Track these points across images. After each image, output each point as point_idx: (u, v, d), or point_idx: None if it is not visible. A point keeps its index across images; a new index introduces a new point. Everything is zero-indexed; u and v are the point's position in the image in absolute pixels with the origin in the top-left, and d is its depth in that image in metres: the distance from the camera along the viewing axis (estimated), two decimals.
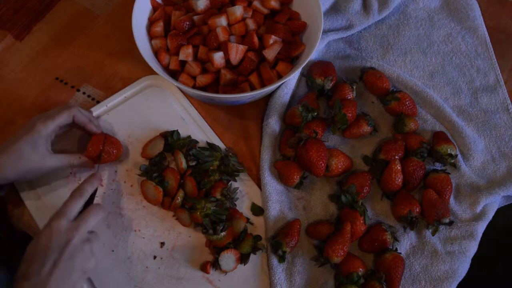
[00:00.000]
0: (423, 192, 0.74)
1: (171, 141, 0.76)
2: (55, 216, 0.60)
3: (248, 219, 0.73)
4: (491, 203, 0.76)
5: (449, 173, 0.76)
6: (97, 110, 0.80)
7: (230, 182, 0.75)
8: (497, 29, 0.95)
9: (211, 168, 0.74)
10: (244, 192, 0.75)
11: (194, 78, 0.77)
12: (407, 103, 0.80)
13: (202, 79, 0.77)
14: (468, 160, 0.79)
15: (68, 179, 0.74)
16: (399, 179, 0.73)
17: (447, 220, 0.71)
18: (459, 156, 0.79)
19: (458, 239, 0.73)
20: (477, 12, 0.95)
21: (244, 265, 0.69)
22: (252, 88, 0.77)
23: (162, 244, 0.71)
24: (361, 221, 0.70)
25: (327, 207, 0.75)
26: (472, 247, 0.73)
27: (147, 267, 0.69)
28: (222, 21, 0.77)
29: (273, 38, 0.77)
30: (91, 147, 0.72)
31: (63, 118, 0.69)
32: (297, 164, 0.74)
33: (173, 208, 0.72)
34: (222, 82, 0.77)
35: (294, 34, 0.81)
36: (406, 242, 0.73)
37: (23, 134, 0.66)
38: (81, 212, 0.63)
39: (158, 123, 0.79)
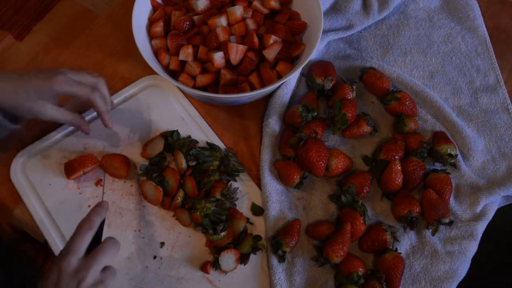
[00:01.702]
0: (423, 192, 0.74)
1: (171, 141, 0.76)
2: (63, 253, 0.54)
3: (248, 219, 0.73)
4: (491, 203, 0.76)
5: (449, 173, 0.76)
6: None
7: (230, 182, 0.75)
8: (497, 29, 0.95)
9: (211, 168, 0.74)
10: (244, 192, 0.75)
11: (194, 78, 0.77)
12: (407, 103, 0.80)
13: (202, 79, 0.77)
14: (468, 160, 0.79)
15: (68, 180, 0.74)
16: (399, 179, 0.73)
17: (447, 220, 0.71)
18: (459, 156, 0.79)
19: (458, 239, 0.73)
20: (477, 12, 0.95)
21: (244, 265, 0.69)
22: (252, 88, 0.77)
23: (162, 244, 0.71)
24: (361, 221, 0.70)
25: (327, 207, 0.75)
26: (472, 247, 0.73)
27: (147, 267, 0.69)
28: (222, 21, 0.77)
29: (273, 38, 0.77)
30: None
31: (81, 93, 0.66)
32: (297, 164, 0.74)
33: (173, 208, 0.72)
34: (222, 82, 0.77)
35: (294, 34, 0.81)
36: (406, 242, 0.73)
37: (37, 78, 0.64)
38: (92, 245, 0.57)
39: (158, 123, 0.79)
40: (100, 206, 0.61)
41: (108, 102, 0.71)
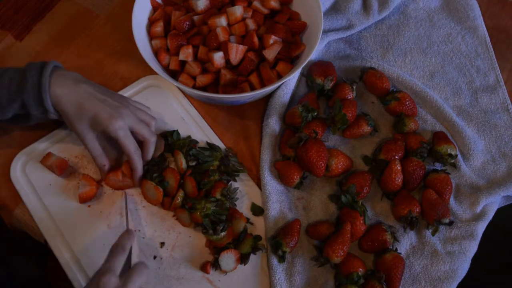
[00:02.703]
0: (423, 192, 0.74)
1: (171, 141, 0.76)
2: (101, 272, 0.57)
3: (248, 219, 0.73)
4: (491, 203, 0.76)
5: (449, 173, 0.76)
6: None
7: (230, 182, 0.75)
8: (497, 29, 0.95)
9: (211, 168, 0.74)
10: (244, 192, 0.75)
11: (194, 78, 0.77)
12: (407, 103, 0.80)
13: (202, 79, 0.77)
14: (468, 160, 0.79)
15: (68, 179, 0.74)
16: (399, 179, 0.73)
17: (447, 220, 0.71)
18: (459, 156, 0.79)
19: (458, 239, 0.73)
20: (477, 12, 0.95)
21: (244, 265, 0.69)
22: (252, 88, 0.77)
23: (162, 244, 0.71)
24: (361, 221, 0.70)
25: (327, 207, 0.75)
26: (472, 247, 0.73)
27: None
28: (222, 21, 0.77)
29: (273, 38, 0.77)
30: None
31: (126, 149, 0.69)
32: (297, 164, 0.74)
33: (173, 208, 0.72)
34: (222, 82, 0.77)
35: (294, 34, 0.81)
36: (406, 242, 0.73)
37: (103, 111, 0.66)
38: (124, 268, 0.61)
39: (158, 123, 0.79)
40: (128, 232, 0.66)
41: (145, 159, 0.72)
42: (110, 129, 0.66)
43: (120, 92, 0.81)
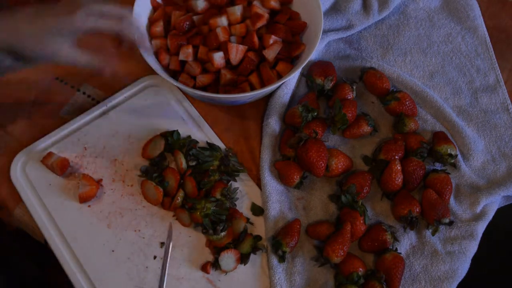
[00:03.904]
0: (423, 192, 0.74)
1: (171, 141, 0.76)
2: None
3: (248, 219, 0.73)
4: (491, 203, 0.76)
5: (449, 173, 0.76)
6: (97, 110, 0.80)
7: (230, 182, 0.75)
8: (497, 29, 0.95)
9: (211, 168, 0.74)
10: (244, 192, 0.75)
11: (194, 78, 0.77)
12: (407, 103, 0.80)
13: (202, 79, 0.77)
14: (468, 160, 0.79)
15: (68, 179, 0.74)
16: (399, 179, 0.73)
17: (447, 220, 0.71)
18: (459, 156, 0.79)
19: (458, 239, 0.73)
20: (477, 12, 0.95)
21: (244, 265, 0.69)
22: (252, 88, 0.77)
23: (162, 244, 0.71)
24: (361, 221, 0.70)
25: (327, 207, 0.75)
26: (472, 247, 0.73)
27: (147, 267, 0.69)
28: (223, 21, 0.77)
29: (273, 38, 0.77)
30: None
31: (108, 26, 0.59)
32: (297, 164, 0.74)
33: (173, 208, 0.72)
34: (222, 82, 0.77)
35: (294, 34, 0.81)
36: (406, 242, 0.73)
37: (58, 11, 0.57)
38: None
39: (158, 123, 0.79)
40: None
41: (139, 30, 0.63)
42: (78, 22, 0.57)
43: (120, 92, 0.81)
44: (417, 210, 0.72)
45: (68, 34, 0.58)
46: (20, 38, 0.56)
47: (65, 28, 0.57)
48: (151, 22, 0.81)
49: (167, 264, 0.68)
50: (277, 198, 0.74)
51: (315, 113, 0.77)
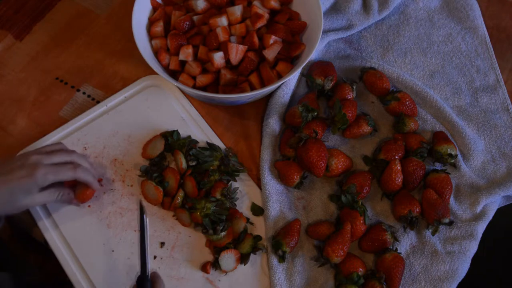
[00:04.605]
0: (423, 192, 0.74)
1: (171, 141, 0.76)
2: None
3: (248, 219, 0.73)
4: (491, 203, 0.76)
5: (449, 173, 0.76)
6: (97, 110, 0.80)
7: (230, 182, 0.75)
8: (497, 29, 0.95)
9: (211, 168, 0.74)
10: (244, 192, 0.75)
11: (194, 78, 0.77)
12: (407, 103, 0.80)
13: (202, 79, 0.77)
14: (468, 160, 0.79)
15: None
16: (399, 179, 0.73)
17: (447, 220, 0.71)
18: (459, 156, 0.79)
19: (458, 239, 0.73)
20: (477, 12, 0.95)
21: (244, 265, 0.69)
22: (252, 88, 0.77)
23: (162, 244, 0.71)
24: (361, 221, 0.70)
25: (327, 207, 0.75)
26: (472, 247, 0.73)
27: None
28: (223, 21, 0.77)
29: (273, 38, 0.77)
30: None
31: (67, 176, 0.66)
32: (297, 164, 0.74)
33: (173, 208, 0.72)
34: (222, 82, 0.77)
35: (294, 34, 0.81)
36: (406, 242, 0.73)
37: (20, 177, 0.62)
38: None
39: (158, 123, 0.79)
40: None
41: (92, 170, 0.71)
42: (40, 181, 0.64)
43: (120, 92, 0.81)
44: (417, 210, 0.72)
45: (35, 190, 0.65)
46: None
47: (32, 188, 0.64)
48: (151, 22, 0.81)
49: (147, 242, 0.68)
50: (277, 198, 0.74)
51: (315, 113, 0.77)
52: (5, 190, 0.62)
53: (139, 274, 0.67)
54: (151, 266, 0.69)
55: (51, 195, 0.67)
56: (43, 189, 0.66)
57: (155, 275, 0.67)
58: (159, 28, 0.79)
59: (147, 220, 0.71)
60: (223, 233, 0.68)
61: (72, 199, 0.70)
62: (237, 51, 0.76)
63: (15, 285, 0.75)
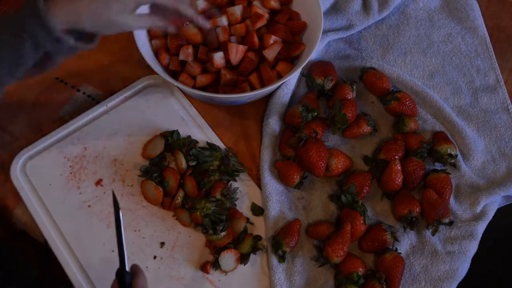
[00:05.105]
0: (423, 192, 0.74)
1: (171, 141, 0.76)
2: None
3: (248, 219, 0.73)
4: (491, 203, 0.76)
5: (449, 173, 0.76)
6: (97, 110, 0.80)
7: (230, 182, 0.75)
8: (497, 29, 0.95)
9: (211, 168, 0.74)
10: (244, 192, 0.75)
11: (194, 78, 0.77)
12: (407, 103, 0.80)
13: (202, 79, 0.77)
14: (468, 160, 0.79)
15: (67, 178, 0.74)
16: (399, 179, 0.73)
17: (447, 220, 0.71)
18: (459, 156, 0.79)
19: (458, 239, 0.73)
20: (477, 12, 0.95)
21: (244, 265, 0.69)
22: (252, 88, 0.77)
23: (162, 244, 0.71)
24: (361, 221, 0.70)
25: (327, 207, 0.75)
26: (472, 247, 0.73)
27: (147, 267, 0.69)
28: (223, 21, 0.77)
29: (273, 38, 0.77)
30: None
31: (168, 3, 0.63)
32: (297, 164, 0.74)
33: (173, 208, 0.72)
34: (222, 82, 0.77)
35: (294, 34, 0.81)
36: (406, 242, 0.73)
37: None
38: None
39: (158, 123, 0.79)
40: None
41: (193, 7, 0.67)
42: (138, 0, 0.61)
43: (120, 92, 0.81)
44: (417, 210, 0.72)
45: (131, 7, 0.62)
46: (81, 17, 0.59)
47: (128, 2, 0.61)
48: None
49: (122, 232, 0.64)
50: (277, 198, 0.74)
51: (315, 113, 0.77)
52: (103, 5, 0.59)
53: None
54: (151, 266, 0.69)
55: (144, 20, 0.65)
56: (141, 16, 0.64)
57: (136, 267, 0.62)
58: None
59: (120, 211, 0.66)
60: (223, 233, 0.68)
61: (167, 27, 0.66)
62: (237, 51, 0.76)
63: (15, 284, 0.75)
